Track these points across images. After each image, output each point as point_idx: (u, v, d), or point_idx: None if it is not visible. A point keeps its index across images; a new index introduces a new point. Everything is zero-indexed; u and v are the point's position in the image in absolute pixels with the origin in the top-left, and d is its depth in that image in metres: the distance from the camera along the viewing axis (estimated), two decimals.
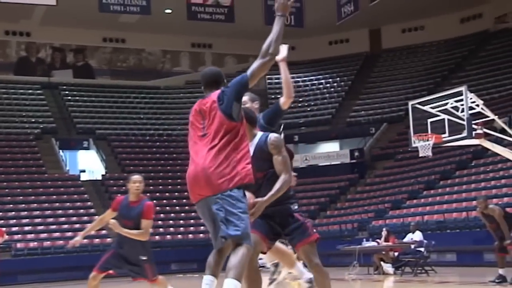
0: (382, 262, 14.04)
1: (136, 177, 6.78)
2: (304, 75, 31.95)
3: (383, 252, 14.18)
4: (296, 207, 4.61)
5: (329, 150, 26.85)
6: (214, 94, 4.04)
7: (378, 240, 14.68)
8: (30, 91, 28.66)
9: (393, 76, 30.14)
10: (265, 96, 30.07)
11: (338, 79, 31.27)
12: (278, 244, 4.89)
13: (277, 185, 4.31)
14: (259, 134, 4.61)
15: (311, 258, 4.47)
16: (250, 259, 4.03)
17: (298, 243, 4.50)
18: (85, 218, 21.36)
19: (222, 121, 3.96)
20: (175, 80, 31.73)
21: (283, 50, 4.82)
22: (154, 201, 26.50)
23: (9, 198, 22.31)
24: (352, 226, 20.59)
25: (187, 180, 4.03)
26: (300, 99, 29.82)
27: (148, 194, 24.27)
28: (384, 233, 14.54)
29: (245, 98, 4.69)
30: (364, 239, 15.71)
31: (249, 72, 4.06)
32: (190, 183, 4.01)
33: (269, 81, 32.12)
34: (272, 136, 4.50)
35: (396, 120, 26.60)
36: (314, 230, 4.58)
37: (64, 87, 29.55)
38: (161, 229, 22.52)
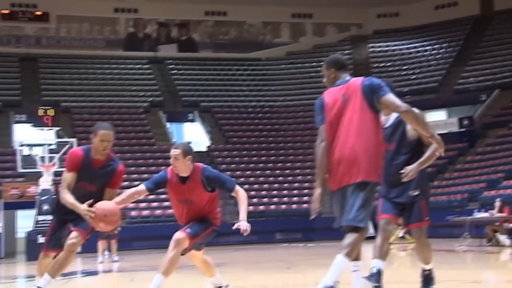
0: (497, 234, 13.40)
1: (105, 132, 5.02)
2: (409, 42, 30.82)
3: (497, 223, 13.53)
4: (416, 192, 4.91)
5: (436, 119, 25.85)
6: (357, 80, 4.21)
7: (491, 211, 14.01)
8: (138, 66, 29.79)
9: (506, 40, 28.35)
10: (367, 65, 29.40)
11: (445, 45, 29.89)
12: (205, 256, 5.48)
13: (427, 153, 4.76)
14: (394, 114, 4.80)
15: (419, 235, 4.96)
16: (384, 230, 4.75)
17: (412, 224, 4.93)
18: None
19: (364, 104, 4.11)
20: (276, 52, 31.74)
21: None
22: (258, 172, 27.08)
23: None
24: (461, 197, 19.81)
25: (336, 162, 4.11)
26: (404, 67, 28.87)
27: (251, 165, 24.80)
28: (498, 203, 13.84)
29: (177, 151, 5.09)
30: (476, 210, 15.05)
31: (397, 101, 4.12)
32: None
33: (371, 49, 31.34)
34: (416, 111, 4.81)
35: (509, 86, 25.18)
36: (428, 218, 4.93)
37: (170, 61, 30.45)
38: (265, 199, 22.83)
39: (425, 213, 4.92)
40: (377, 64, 29.76)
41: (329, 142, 4.11)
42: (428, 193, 5.09)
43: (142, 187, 5.18)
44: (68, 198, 4.88)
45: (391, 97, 4.12)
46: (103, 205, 4.79)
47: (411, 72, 28.89)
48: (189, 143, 5.48)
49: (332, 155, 4.09)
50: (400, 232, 15.85)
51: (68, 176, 4.99)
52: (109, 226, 4.86)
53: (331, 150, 4.10)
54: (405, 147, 4.75)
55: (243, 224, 5.00)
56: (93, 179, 4.99)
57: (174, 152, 5.16)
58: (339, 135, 4.09)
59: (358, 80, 4.20)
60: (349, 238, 3.99)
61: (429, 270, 5.05)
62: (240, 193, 5.18)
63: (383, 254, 4.78)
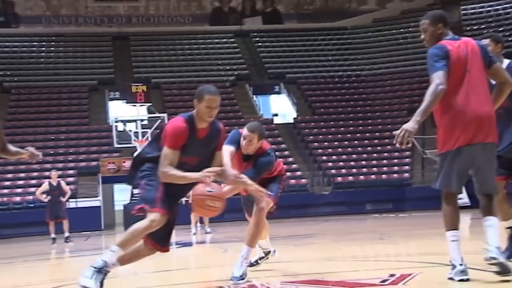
0: None
1: (213, 97, 4.22)
2: (506, 2, 29.14)
3: None
4: None
5: None
6: (470, 39, 4.16)
7: None
8: (224, 40, 30.09)
9: None
10: (459, 29, 28.10)
11: None
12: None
13: None
14: (506, 61, 4.82)
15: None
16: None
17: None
18: (280, 159, 22.14)
19: (484, 65, 4.11)
20: (362, 19, 30.99)
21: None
22: (345, 142, 26.61)
23: None
24: None
25: (472, 119, 3.99)
26: (501, 29, 27.35)
27: (339, 136, 24.57)
28: None
29: (254, 135, 4.88)
30: None
31: (506, 73, 4.19)
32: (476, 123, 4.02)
33: (464, 12, 29.90)
34: None
35: None
36: None
37: (255, 34, 30.51)
38: (354, 170, 22.61)
39: None
40: (470, 27, 28.40)
41: (450, 95, 3.95)
42: None
43: (231, 147, 4.81)
44: (176, 173, 4.10)
45: (501, 66, 4.24)
46: (205, 188, 4.07)
47: (508, 33, 27.34)
48: (261, 123, 5.28)
49: (460, 111, 3.96)
50: None
51: (170, 154, 4.14)
52: (211, 213, 4.25)
53: (456, 104, 3.96)
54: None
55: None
56: (198, 151, 4.25)
57: (250, 135, 4.89)
58: (469, 91, 3.98)
59: (472, 40, 4.16)
60: (492, 200, 4.05)
61: None
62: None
63: (507, 214, 4.88)
